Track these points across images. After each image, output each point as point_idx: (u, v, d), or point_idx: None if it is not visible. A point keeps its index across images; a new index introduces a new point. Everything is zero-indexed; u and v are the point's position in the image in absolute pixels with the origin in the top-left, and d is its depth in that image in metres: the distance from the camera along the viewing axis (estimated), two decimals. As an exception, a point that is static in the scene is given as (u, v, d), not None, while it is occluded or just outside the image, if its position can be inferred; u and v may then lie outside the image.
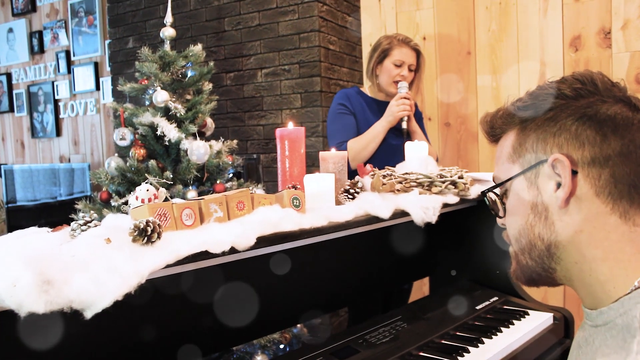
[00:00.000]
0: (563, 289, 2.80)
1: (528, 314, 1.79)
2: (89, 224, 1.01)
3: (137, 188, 1.10)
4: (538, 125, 0.81)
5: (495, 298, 1.90)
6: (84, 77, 4.71)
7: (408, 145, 1.87)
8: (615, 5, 2.61)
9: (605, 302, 0.76)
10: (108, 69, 4.48)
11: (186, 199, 2.23)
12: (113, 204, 2.20)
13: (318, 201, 1.39)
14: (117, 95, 3.48)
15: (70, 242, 0.95)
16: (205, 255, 0.99)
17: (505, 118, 0.86)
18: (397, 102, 2.33)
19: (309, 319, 2.39)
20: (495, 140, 0.91)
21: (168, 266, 0.95)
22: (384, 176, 1.67)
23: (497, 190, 0.89)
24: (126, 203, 2.20)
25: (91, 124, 4.73)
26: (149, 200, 1.11)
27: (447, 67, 3.06)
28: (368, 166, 1.72)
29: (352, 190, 1.48)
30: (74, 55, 4.75)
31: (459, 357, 1.44)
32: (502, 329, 1.65)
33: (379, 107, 2.43)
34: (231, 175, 2.58)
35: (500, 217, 0.91)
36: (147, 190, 1.09)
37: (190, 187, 2.31)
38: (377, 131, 2.35)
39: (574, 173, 0.76)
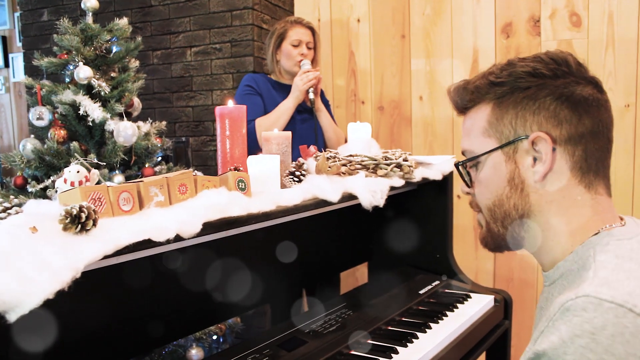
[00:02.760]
0: (493, 271, 2.86)
1: (470, 297, 1.80)
2: (8, 211, 0.88)
3: (66, 169, 0.98)
4: (517, 102, 0.84)
5: (437, 282, 1.90)
6: (-10, 53, 4.31)
7: (351, 126, 1.82)
8: (544, -6, 2.67)
9: (562, 259, 0.83)
10: (19, 44, 4.13)
11: (112, 181, 2.07)
12: (30, 189, 2.01)
13: (263, 184, 1.31)
14: (31, 72, 3.20)
15: (-13, 233, 0.81)
16: (147, 244, 0.89)
17: (479, 92, 0.88)
18: (300, 76, 2.35)
19: (244, 312, 2.30)
20: (463, 112, 0.93)
21: (106, 257, 0.84)
22: (328, 158, 1.61)
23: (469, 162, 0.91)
24: (45, 189, 2.01)
25: (0, 104, 4.35)
26: (80, 183, 0.99)
27: (381, 50, 3.03)
28: (312, 147, 1.65)
29: (297, 173, 1.41)
30: (-22, 29, 4.34)
31: (408, 344, 1.41)
32: (448, 313, 1.64)
33: (285, 89, 2.43)
34: (160, 158, 2.43)
35: (469, 187, 0.93)
36: (78, 172, 0.97)
37: (116, 172, 2.15)
38: (285, 107, 2.35)
39: (553, 150, 0.81)
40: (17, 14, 4.07)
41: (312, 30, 2.49)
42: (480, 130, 0.88)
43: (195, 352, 2.06)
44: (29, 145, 2.09)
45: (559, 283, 0.82)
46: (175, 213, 0.97)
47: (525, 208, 0.84)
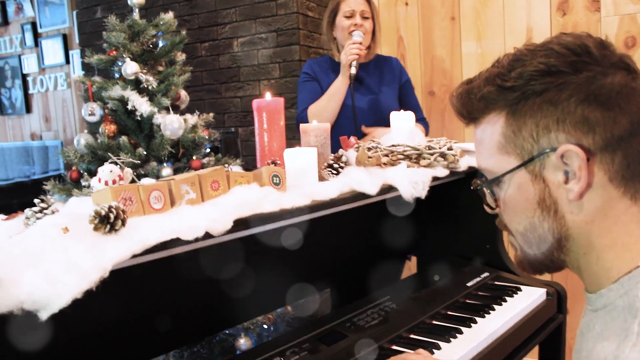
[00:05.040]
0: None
1: (520, 290, 1.73)
2: (44, 211, 0.91)
3: (100, 169, 0.99)
4: (534, 110, 0.71)
5: (486, 274, 1.84)
6: (52, 50, 4.50)
7: (394, 115, 1.77)
8: (604, -33, 2.51)
9: (607, 285, 0.71)
10: (77, 41, 4.28)
11: (161, 176, 2.12)
12: (84, 183, 2.08)
13: (300, 178, 1.29)
14: (87, 68, 3.31)
15: (22, 233, 0.84)
16: (176, 242, 0.89)
17: (486, 100, 0.75)
18: (347, 47, 2.17)
19: (293, 302, 2.31)
20: (472, 122, 0.80)
21: (134, 256, 0.85)
22: (369, 149, 1.57)
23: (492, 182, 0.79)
24: (97, 182, 2.08)
25: (62, 99, 4.54)
26: (114, 182, 1.00)
27: (431, 34, 2.95)
28: (352, 139, 1.62)
29: (335, 165, 1.38)
30: (40, 27, 4.53)
31: (451, 339, 1.38)
32: (495, 306, 1.58)
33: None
34: (208, 150, 2.46)
35: (492, 209, 0.82)
36: (111, 171, 0.98)
37: (165, 164, 2.19)
38: (334, 88, 2.20)
39: (587, 161, 0.68)
40: (75, 12, 4.22)
41: None
42: (496, 146, 0.75)
43: (243, 342, 2.08)
44: (83, 140, 2.16)
45: (601, 315, 0.72)
46: (204, 211, 0.97)
47: (562, 231, 0.73)
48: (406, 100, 2.38)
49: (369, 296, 1.63)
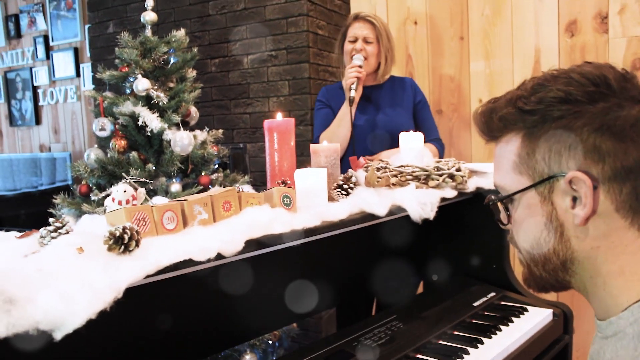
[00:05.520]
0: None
1: (527, 310, 1.73)
2: (59, 230, 0.92)
3: (114, 188, 1.01)
4: (549, 134, 0.73)
5: (493, 294, 1.84)
6: (63, 63, 4.55)
7: (403, 136, 1.79)
8: (612, -11, 2.54)
9: (616, 313, 0.73)
10: (89, 54, 4.33)
11: (169, 192, 2.14)
12: (93, 198, 2.10)
13: (310, 198, 1.31)
14: (98, 82, 3.35)
15: (37, 253, 0.85)
16: (188, 263, 0.91)
17: (506, 120, 0.77)
18: (346, 71, 2.20)
19: (298, 320, 2.32)
20: (492, 140, 0.83)
21: (147, 276, 0.86)
22: (378, 169, 1.59)
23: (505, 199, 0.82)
24: (106, 197, 2.10)
25: (72, 112, 4.58)
26: (127, 202, 1.02)
27: (439, 53, 2.97)
28: (362, 159, 1.63)
29: (345, 186, 1.40)
30: (52, 40, 4.58)
31: (458, 360, 1.38)
32: (502, 327, 1.58)
33: None
34: (217, 166, 2.49)
35: (504, 225, 0.85)
36: (125, 191, 1.00)
37: (173, 180, 2.21)
38: (341, 113, 2.23)
39: (594, 189, 0.70)
40: (87, 26, 4.27)
41: (373, 23, 2.32)
42: (511, 165, 0.78)
43: (249, 358, 2.09)
44: (93, 155, 2.19)
45: (611, 343, 0.73)
46: (216, 232, 0.99)
47: (567, 254, 0.75)
48: (420, 119, 2.38)
49: (376, 315, 1.64)
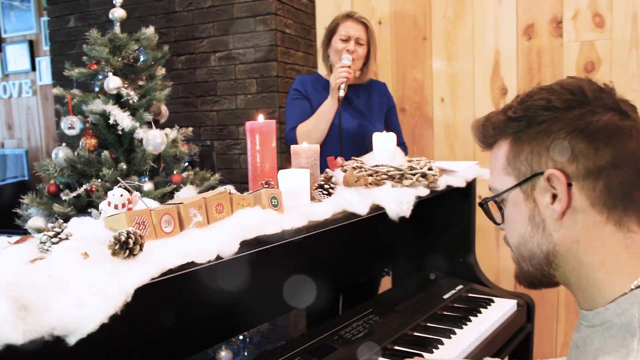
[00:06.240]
0: (514, 271, 2.87)
1: (493, 302, 1.83)
2: (59, 236, 0.93)
3: (110, 193, 1.03)
4: (531, 138, 0.82)
5: (461, 286, 1.93)
6: (17, 56, 4.41)
7: (376, 136, 1.85)
8: (566, -6, 2.67)
9: (602, 304, 0.79)
10: (45, 48, 4.22)
11: (142, 191, 2.13)
12: (63, 197, 2.08)
13: (294, 198, 1.35)
14: (58, 77, 3.28)
15: (44, 259, 0.87)
16: (191, 265, 0.94)
17: (497, 128, 0.87)
18: (335, 70, 2.21)
19: (272, 319, 2.35)
20: (488, 147, 0.92)
21: (153, 279, 0.89)
22: (354, 168, 1.64)
23: (496, 199, 0.90)
24: (77, 197, 2.08)
25: (27, 107, 4.45)
26: (123, 205, 1.04)
27: (403, 52, 3.05)
28: (339, 159, 1.68)
29: (327, 186, 1.44)
30: (4, 32, 4.44)
31: (434, 350, 1.45)
32: (472, 317, 1.67)
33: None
34: (186, 164, 2.49)
35: (498, 224, 0.92)
36: (121, 195, 1.02)
37: (145, 178, 2.21)
38: (324, 109, 2.24)
39: (569, 185, 0.78)
40: (43, 19, 4.16)
41: (366, 25, 2.35)
42: (501, 168, 0.86)
43: (224, 354, 2.12)
44: (61, 153, 2.16)
45: (599, 332, 0.79)
46: (214, 234, 1.02)
47: (549, 247, 0.82)
48: (390, 124, 2.46)
49: (354, 309, 1.70)
